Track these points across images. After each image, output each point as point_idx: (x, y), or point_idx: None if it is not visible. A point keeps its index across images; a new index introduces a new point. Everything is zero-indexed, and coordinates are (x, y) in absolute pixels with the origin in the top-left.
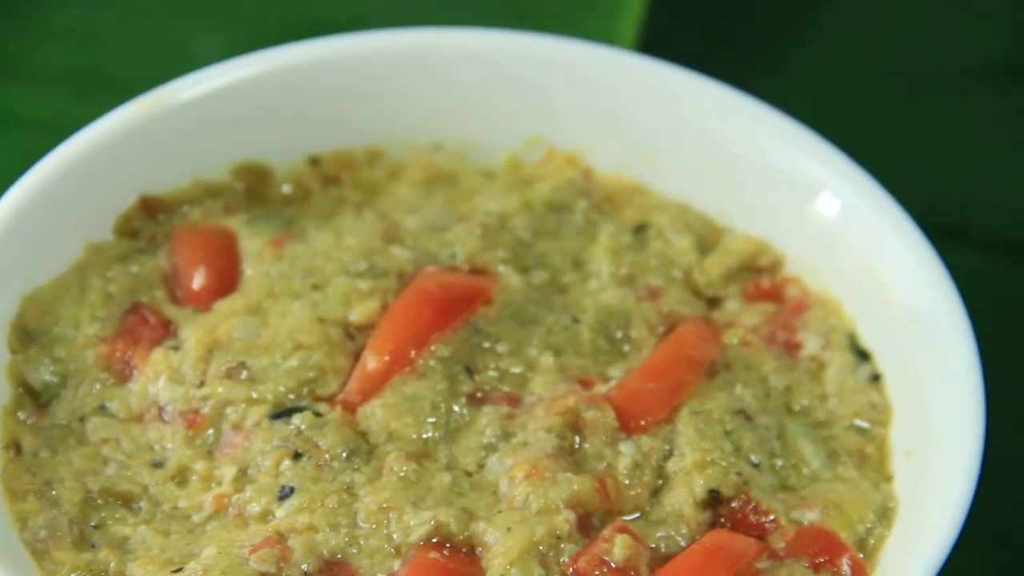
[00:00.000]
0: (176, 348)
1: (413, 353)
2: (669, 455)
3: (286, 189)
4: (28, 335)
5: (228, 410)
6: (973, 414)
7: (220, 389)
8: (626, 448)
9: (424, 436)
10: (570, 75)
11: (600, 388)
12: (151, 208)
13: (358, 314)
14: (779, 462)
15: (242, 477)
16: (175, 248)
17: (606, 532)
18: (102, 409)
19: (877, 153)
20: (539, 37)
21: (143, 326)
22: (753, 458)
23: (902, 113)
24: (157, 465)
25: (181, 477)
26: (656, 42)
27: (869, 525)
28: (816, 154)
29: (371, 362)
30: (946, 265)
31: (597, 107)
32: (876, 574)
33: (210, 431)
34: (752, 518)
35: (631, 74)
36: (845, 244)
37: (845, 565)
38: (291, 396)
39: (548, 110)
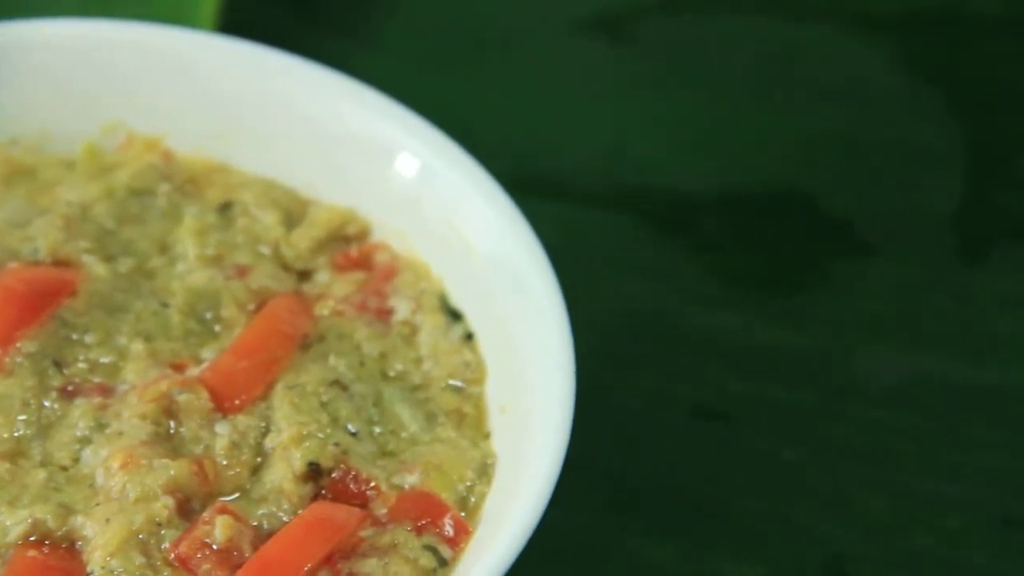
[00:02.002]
0: None
1: None
2: (266, 432)
3: None
4: None
5: None
6: (563, 365)
7: None
8: (222, 429)
9: (16, 434)
10: (145, 58)
11: (193, 371)
12: None
13: None
14: (377, 429)
15: None
16: None
17: (206, 515)
18: None
19: (463, 114)
20: (109, 22)
21: None
22: (351, 427)
23: (484, 71)
24: None
25: None
26: (237, 21)
27: (469, 483)
28: (392, 118)
29: None
30: (537, 217)
31: (174, 89)
32: (478, 531)
33: None
34: (353, 487)
35: (208, 53)
36: (428, 205)
37: (447, 525)
38: None
39: (124, 95)
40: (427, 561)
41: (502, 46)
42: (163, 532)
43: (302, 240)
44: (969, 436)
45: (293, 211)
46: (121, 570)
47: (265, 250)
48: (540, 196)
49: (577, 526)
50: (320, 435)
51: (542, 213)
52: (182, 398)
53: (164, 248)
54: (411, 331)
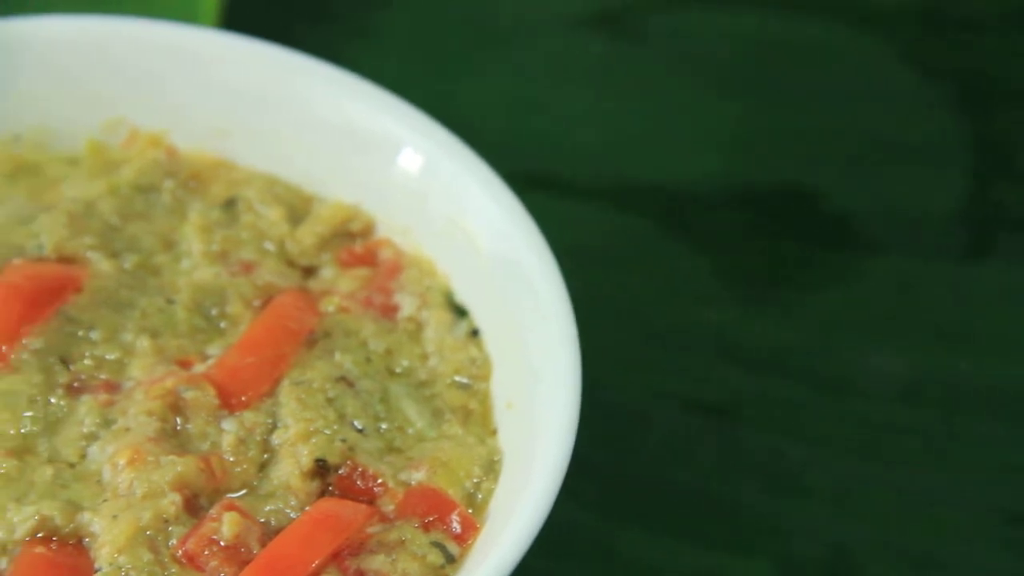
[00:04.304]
0: None
1: (4, 348)
2: (273, 428)
3: None
4: None
5: None
6: (569, 361)
7: None
8: (229, 425)
9: (23, 431)
10: (149, 54)
11: (199, 367)
12: None
13: None
14: (384, 425)
15: None
16: None
17: (213, 511)
18: None
19: (468, 109)
20: (113, 18)
21: None
22: (357, 424)
23: (489, 67)
24: None
25: None
26: (240, 17)
27: (476, 480)
28: (395, 114)
29: None
30: (542, 213)
31: (178, 85)
32: (485, 527)
33: None
34: (360, 483)
35: (211, 49)
36: (432, 202)
37: (454, 521)
38: None
39: (128, 91)
40: (435, 557)
41: (505, 41)
42: (170, 529)
43: (307, 236)
44: (971, 432)
45: (297, 207)
46: (129, 567)
47: (270, 246)
48: (542, 192)
49: (582, 523)
50: (327, 431)
51: (544, 208)
52: (188, 395)
53: (169, 244)
54: (417, 327)
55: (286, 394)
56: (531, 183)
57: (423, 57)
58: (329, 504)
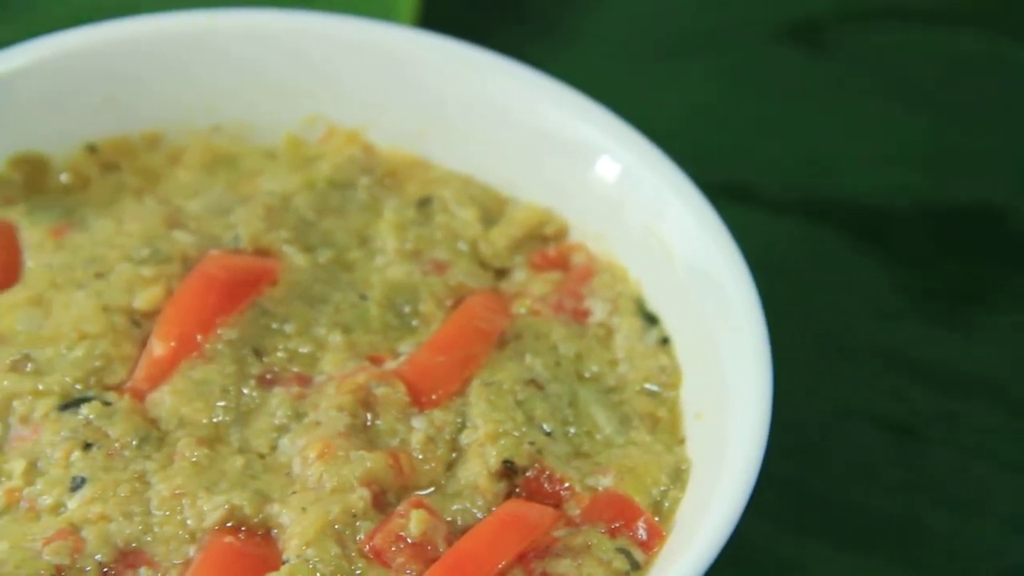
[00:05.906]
0: None
1: (200, 337)
2: (462, 428)
3: (64, 178)
4: None
5: (15, 403)
6: (760, 373)
7: (5, 383)
8: (418, 423)
9: (215, 420)
10: (347, 51)
11: (390, 364)
12: None
13: (142, 301)
14: (572, 429)
15: (32, 470)
16: None
17: (401, 508)
18: None
19: (657, 117)
20: (314, 14)
21: None
22: (546, 427)
23: (680, 75)
24: None
25: None
26: (435, 16)
27: (663, 488)
28: (594, 120)
29: (158, 348)
30: (730, 224)
31: (376, 83)
32: (671, 536)
33: None
34: (547, 486)
35: (409, 48)
36: (627, 209)
37: (641, 528)
38: (78, 386)
39: (326, 88)
40: (620, 564)
41: (698, 49)
42: (358, 524)
43: (500, 238)
44: None
45: (491, 209)
46: (317, 559)
47: (463, 246)
48: (733, 202)
49: (763, 536)
50: (516, 433)
51: (735, 219)
52: (379, 391)
53: (363, 241)
54: (607, 333)
55: (476, 394)
56: (722, 193)
57: (614, 62)
58: (516, 506)
